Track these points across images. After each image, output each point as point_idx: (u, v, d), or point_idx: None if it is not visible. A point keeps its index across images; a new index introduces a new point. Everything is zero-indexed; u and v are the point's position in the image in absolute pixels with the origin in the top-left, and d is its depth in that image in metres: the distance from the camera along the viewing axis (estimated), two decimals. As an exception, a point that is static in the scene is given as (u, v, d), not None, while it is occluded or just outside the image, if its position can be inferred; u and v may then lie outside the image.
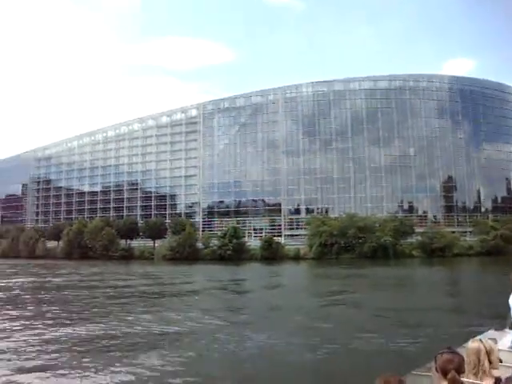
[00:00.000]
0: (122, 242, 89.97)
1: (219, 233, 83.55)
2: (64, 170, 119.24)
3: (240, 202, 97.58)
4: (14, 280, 33.91)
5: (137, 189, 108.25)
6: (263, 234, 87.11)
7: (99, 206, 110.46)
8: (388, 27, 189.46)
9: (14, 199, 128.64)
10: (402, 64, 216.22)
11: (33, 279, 36.10)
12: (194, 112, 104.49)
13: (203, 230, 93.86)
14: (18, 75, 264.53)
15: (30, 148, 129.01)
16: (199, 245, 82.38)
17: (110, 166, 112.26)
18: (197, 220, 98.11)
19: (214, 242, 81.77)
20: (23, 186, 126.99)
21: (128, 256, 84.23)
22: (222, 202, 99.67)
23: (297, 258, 74.86)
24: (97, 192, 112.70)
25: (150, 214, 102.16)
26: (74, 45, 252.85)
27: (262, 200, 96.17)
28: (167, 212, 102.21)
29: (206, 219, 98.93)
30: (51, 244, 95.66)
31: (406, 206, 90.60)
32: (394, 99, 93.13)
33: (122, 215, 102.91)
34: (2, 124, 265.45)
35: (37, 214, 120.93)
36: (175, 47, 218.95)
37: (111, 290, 26.88)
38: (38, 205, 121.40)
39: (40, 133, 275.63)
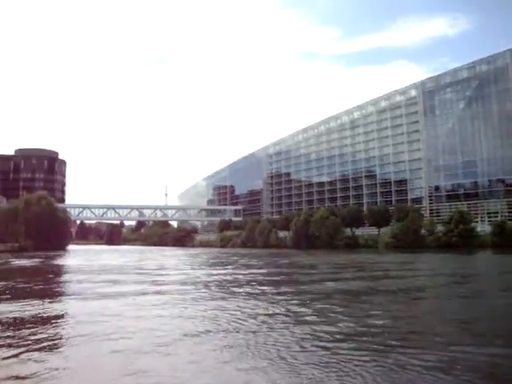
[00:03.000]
0: (347, 230, 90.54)
1: (446, 218, 77.43)
2: (293, 164, 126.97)
3: (471, 183, 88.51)
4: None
5: (361, 177, 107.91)
6: (499, 219, 77.21)
7: (327, 195, 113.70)
8: None
9: (254, 193, 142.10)
10: None
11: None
12: (413, 92, 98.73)
13: (431, 216, 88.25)
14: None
15: (262, 145, 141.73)
16: (424, 231, 77.60)
17: (334, 155, 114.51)
18: (423, 205, 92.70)
19: (440, 228, 76.10)
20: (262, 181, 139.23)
21: (352, 244, 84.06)
22: (450, 184, 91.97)
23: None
24: (324, 182, 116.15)
25: (376, 202, 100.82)
26: (291, 41, 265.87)
27: (500, 180, 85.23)
28: (392, 198, 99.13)
29: (434, 204, 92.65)
30: (282, 234, 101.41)
31: None
32: None
33: (348, 204, 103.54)
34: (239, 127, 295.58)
35: (271, 206, 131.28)
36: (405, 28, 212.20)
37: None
38: (272, 197, 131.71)
39: (269, 131, 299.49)
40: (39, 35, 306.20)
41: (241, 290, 17.57)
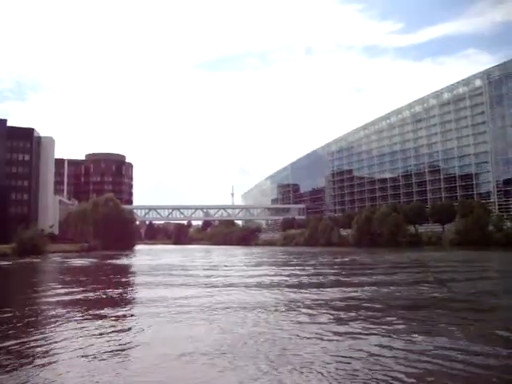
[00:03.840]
0: (411, 227, 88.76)
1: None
2: (354, 161, 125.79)
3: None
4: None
5: (424, 172, 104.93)
6: None
7: (389, 192, 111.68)
8: None
9: (317, 191, 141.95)
10: None
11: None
12: (478, 82, 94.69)
13: (500, 211, 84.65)
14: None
15: (323, 143, 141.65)
16: (491, 228, 74.69)
17: (396, 151, 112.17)
18: (491, 200, 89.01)
19: (509, 224, 73.01)
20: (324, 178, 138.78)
21: (415, 242, 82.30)
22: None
23: None
24: (386, 179, 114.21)
25: (440, 198, 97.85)
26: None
27: None
28: (458, 194, 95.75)
29: (503, 199, 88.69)
30: (345, 232, 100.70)
31: None
32: None
33: (412, 200, 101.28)
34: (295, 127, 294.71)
35: (334, 203, 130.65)
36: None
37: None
38: (334, 195, 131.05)
39: (330, 128, 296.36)
40: (106, 45, 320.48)
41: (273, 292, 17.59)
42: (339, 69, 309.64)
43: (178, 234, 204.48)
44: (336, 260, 41.61)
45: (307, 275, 24.40)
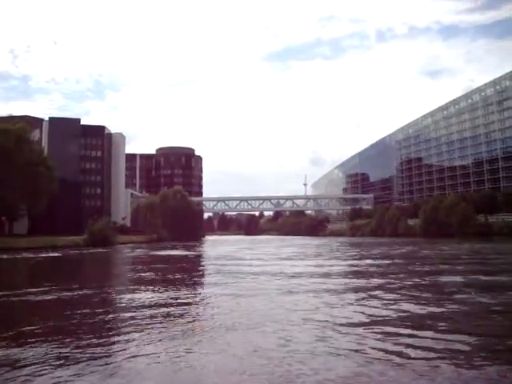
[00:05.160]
0: (481, 217, 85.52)
1: None
2: (422, 148, 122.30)
3: None
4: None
5: (497, 159, 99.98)
6: None
7: (459, 180, 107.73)
8: None
9: (385, 180, 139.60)
10: None
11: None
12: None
13: None
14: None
15: (391, 131, 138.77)
16: None
17: (466, 138, 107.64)
18: None
19: None
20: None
21: (485, 232, 79.29)
22: None
23: None
24: (455, 166, 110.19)
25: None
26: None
27: None
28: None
29: None
30: (412, 222, 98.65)
31: None
32: None
33: (483, 188, 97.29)
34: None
35: (402, 193, 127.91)
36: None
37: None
38: (402, 184, 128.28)
39: (398, 115, 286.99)
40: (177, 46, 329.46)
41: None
42: (412, 53, 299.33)
43: (249, 225, 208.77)
44: (391, 252, 39.73)
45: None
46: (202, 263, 32.50)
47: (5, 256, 35.43)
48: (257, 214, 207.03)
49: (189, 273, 23.24)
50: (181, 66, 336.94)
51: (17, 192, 68.79)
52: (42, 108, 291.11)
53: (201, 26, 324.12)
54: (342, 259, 31.44)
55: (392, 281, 16.51)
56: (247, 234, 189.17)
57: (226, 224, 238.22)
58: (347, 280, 17.60)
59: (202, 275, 22.95)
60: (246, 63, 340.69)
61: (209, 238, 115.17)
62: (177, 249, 49.92)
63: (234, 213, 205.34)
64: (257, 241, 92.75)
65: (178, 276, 20.68)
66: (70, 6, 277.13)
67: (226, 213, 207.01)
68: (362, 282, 16.46)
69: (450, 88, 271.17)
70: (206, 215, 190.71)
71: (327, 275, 19.31)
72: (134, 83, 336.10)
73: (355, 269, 23.07)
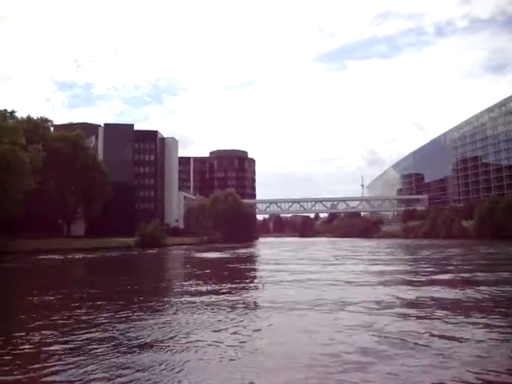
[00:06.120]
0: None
1: None
2: (479, 147, 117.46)
3: None
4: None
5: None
6: None
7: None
8: None
9: (440, 181, 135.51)
10: None
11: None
12: None
13: None
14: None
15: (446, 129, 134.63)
16: None
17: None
18: None
19: None
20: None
21: (544, 234, 75.60)
22: None
23: None
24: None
25: None
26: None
27: None
28: None
29: None
30: (466, 223, 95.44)
31: None
32: None
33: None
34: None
35: (458, 193, 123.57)
36: None
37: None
38: (458, 184, 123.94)
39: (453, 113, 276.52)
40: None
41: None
42: (474, 47, 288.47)
43: (304, 227, 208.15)
44: (426, 255, 38.44)
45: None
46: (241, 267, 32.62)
47: (56, 256, 38.28)
48: (312, 216, 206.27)
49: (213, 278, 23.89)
50: (237, 68, 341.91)
51: (73, 196, 72.84)
52: (104, 114, 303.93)
53: (257, 29, 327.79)
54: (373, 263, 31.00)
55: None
56: (301, 235, 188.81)
57: (282, 226, 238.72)
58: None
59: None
60: (302, 64, 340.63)
61: (261, 240, 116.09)
62: (220, 251, 50.62)
63: (290, 215, 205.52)
64: (307, 243, 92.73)
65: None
66: (128, 14, 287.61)
67: (282, 215, 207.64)
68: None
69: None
70: (261, 217, 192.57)
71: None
72: (191, 87, 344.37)
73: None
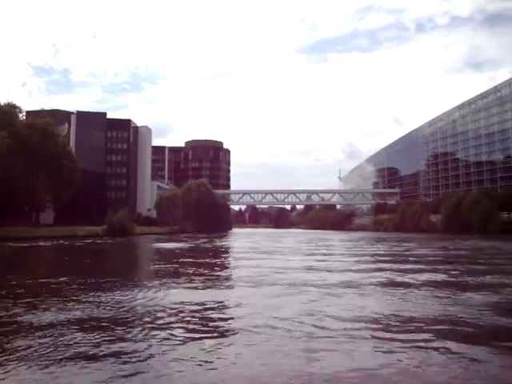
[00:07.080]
0: (505, 214, 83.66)
1: None
2: (449, 143, 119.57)
3: None
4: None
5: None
6: None
7: (485, 176, 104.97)
8: None
9: (411, 175, 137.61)
10: None
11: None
12: None
13: None
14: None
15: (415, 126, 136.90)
16: None
17: (494, 132, 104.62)
18: None
19: None
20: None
21: (509, 230, 77.61)
22: None
23: None
24: (482, 162, 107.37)
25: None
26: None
27: None
28: None
29: None
30: (434, 218, 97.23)
31: None
32: None
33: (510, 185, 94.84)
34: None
35: (428, 188, 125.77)
36: None
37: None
38: (428, 179, 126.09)
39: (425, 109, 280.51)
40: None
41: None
42: (453, 44, 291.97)
43: (278, 218, 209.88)
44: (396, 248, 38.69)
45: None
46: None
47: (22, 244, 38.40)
48: (289, 207, 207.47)
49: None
50: (218, 58, 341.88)
51: (41, 183, 72.12)
52: (82, 101, 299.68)
53: (238, 19, 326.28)
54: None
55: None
56: (276, 227, 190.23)
57: (257, 217, 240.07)
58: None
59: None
60: (283, 55, 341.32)
61: (234, 231, 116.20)
62: (184, 242, 50.56)
63: (266, 206, 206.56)
64: (276, 234, 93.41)
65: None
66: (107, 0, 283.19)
67: (258, 206, 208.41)
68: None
69: (493, 80, 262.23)
70: (237, 208, 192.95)
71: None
72: (171, 75, 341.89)
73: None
